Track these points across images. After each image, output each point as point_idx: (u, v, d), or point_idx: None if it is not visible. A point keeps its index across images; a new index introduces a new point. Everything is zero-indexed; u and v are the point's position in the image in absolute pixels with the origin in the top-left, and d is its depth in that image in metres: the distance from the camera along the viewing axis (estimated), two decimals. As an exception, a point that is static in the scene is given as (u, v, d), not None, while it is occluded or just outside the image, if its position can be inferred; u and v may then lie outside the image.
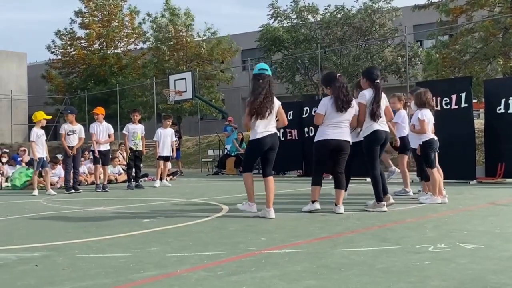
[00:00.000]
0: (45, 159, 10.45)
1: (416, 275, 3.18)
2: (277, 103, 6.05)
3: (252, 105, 5.86)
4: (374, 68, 7.44)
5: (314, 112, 14.02)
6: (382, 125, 6.42)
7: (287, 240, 4.45)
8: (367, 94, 6.35)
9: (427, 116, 7.11)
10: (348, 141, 6.26)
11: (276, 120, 6.12)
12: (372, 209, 6.30)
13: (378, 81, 6.44)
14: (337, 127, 6.16)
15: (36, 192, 10.29)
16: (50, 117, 11.12)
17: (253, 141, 6.03)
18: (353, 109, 6.27)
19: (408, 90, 17.82)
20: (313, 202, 6.32)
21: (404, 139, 8.13)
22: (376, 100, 6.30)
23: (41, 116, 10.51)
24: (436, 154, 7.27)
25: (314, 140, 6.31)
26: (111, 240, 4.63)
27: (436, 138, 7.20)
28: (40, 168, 10.48)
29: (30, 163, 13.13)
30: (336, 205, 6.26)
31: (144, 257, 3.85)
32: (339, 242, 4.28)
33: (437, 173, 7.16)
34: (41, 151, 10.33)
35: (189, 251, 4.02)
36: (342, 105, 6.09)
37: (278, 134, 6.46)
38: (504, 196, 8.04)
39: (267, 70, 6.06)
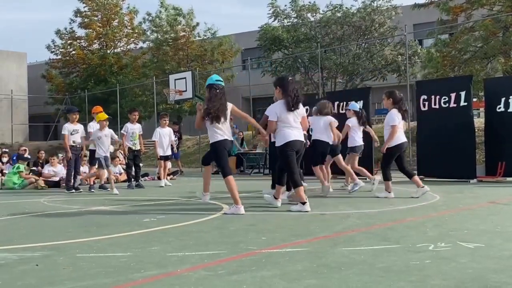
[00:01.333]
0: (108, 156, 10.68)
1: (416, 274, 3.18)
2: (229, 106, 6.61)
3: (210, 111, 6.37)
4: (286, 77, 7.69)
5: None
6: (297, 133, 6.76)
7: (288, 239, 4.45)
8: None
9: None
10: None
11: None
12: (298, 210, 6.42)
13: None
14: (295, 128, 6.69)
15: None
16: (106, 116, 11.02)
17: (217, 142, 6.47)
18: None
19: (408, 89, 17.85)
20: (303, 203, 6.44)
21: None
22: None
23: (103, 116, 10.60)
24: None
25: (278, 145, 6.65)
26: (111, 240, 4.63)
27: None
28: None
29: (20, 158, 13.13)
30: (275, 198, 7.00)
31: (145, 256, 3.85)
32: (339, 241, 4.28)
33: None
34: (105, 149, 10.48)
35: (189, 251, 4.02)
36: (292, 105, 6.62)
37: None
38: (504, 195, 8.04)
39: (222, 81, 6.66)
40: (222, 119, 6.40)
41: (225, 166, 6.52)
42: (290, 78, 6.94)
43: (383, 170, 7.90)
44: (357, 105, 9.74)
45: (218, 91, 6.45)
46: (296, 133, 6.65)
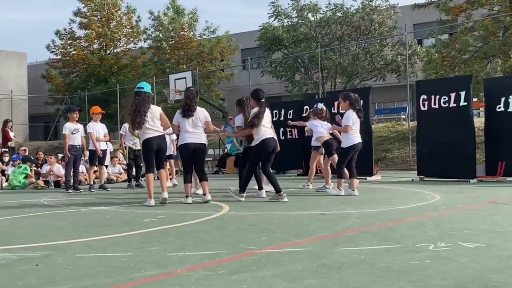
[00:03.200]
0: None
1: (416, 274, 3.18)
2: (156, 110, 7.56)
3: (130, 117, 7.48)
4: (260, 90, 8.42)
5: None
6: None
7: (288, 239, 4.45)
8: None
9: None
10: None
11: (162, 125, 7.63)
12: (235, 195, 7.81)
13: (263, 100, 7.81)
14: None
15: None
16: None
17: (142, 143, 7.70)
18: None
19: (408, 88, 17.84)
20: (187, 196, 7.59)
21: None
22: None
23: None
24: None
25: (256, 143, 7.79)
26: (111, 240, 4.64)
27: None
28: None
29: (27, 160, 13.13)
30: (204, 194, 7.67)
31: (145, 256, 3.85)
32: (339, 241, 4.28)
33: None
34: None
35: (189, 251, 4.02)
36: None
37: (167, 136, 8.23)
38: (504, 194, 8.04)
39: (143, 88, 7.55)
40: (138, 125, 7.32)
41: (146, 165, 7.69)
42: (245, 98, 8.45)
43: (337, 168, 8.50)
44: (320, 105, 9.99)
45: (137, 97, 7.45)
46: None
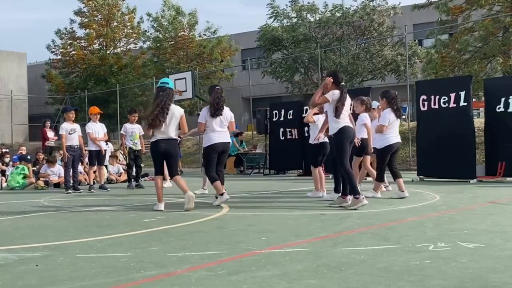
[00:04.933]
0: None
1: (416, 274, 3.18)
2: (177, 111, 6.88)
3: (148, 116, 6.78)
4: (339, 71, 7.83)
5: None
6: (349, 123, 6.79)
7: (288, 239, 4.45)
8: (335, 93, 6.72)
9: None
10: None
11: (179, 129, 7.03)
12: (353, 206, 6.38)
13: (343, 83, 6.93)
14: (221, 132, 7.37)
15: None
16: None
17: (150, 144, 6.91)
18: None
19: (408, 89, 17.85)
20: (221, 195, 7.05)
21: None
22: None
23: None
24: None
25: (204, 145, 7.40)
26: (111, 240, 4.64)
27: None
28: None
29: (23, 159, 13.11)
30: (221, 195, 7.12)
31: (145, 256, 3.85)
32: (339, 241, 4.28)
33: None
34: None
35: (189, 251, 4.02)
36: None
37: (178, 140, 7.32)
38: (504, 194, 8.04)
39: (167, 83, 6.96)
40: (159, 123, 6.66)
41: (155, 168, 6.99)
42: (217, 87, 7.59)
43: (378, 170, 7.94)
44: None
45: (161, 93, 6.81)
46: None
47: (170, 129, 6.79)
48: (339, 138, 6.55)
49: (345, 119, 6.61)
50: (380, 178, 7.91)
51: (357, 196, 6.36)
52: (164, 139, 6.76)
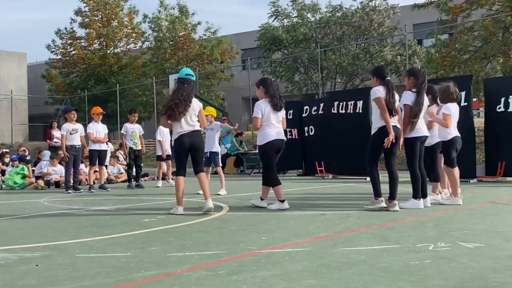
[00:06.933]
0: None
1: (416, 274, 3.18)
2: (198, 106, 6.46)
3: (171, 107, 6.28)
4: (383, 67, 7.31)
5: (314, 111, 14.06)
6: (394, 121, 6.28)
7: (288, 239, 4.45)
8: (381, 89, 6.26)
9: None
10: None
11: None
12: (372, 207, 6.21)
13: (388, 78, 6.41)
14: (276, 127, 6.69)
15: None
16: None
17: (173, 141, 6.48)
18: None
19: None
20: (282, 201, 6.55)
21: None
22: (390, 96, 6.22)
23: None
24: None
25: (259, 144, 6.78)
26: (111, 240, 4.64)
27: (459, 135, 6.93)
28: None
29: (22, 160, 13.12)
30: (262, 199, 6.77)
31: (145, 256, 3.85)
32: (339, 241, 4.28)
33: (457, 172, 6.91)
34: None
35: (189, 251, 4.02)
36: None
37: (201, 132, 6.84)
38: (504, 194, 8.04)
39: (192, 75, 6.53)
40: (179, 115, 6.25)
41: (177, 165, 6.48)
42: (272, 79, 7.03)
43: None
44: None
45: (185, 85, 6.37)
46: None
47: (192, 121, 6.37)
48: (374, 136, 6.25)
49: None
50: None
51: (377, 198, 6.17)
52: (187, 133, 6.31)
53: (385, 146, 6.11)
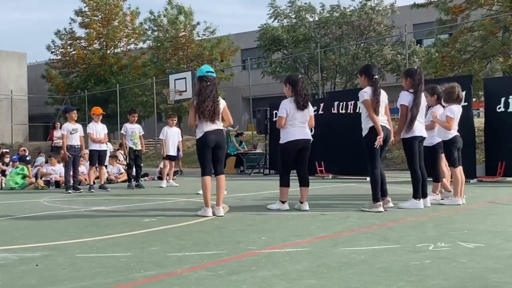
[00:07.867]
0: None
1: (416, 274, 3.18)
2: (222, 103, 6.29)
3: (197, 106, 6.11)
4: (371, 65, 7.28)
5: (314, 111, 14.08)
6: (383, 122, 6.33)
7: (288, 239, 4.45)
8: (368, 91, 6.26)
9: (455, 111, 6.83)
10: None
11: (223, 120, 6.34)
12: (368, 209, 6.20)
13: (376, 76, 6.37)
14: (301, 127, 6.52)
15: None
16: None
17: (197, 140, 6.22)
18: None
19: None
20: (283, 202, 6.57)
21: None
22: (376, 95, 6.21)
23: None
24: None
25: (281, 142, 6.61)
26: (111, 240, 4.63)
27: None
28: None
29: (22, 160, 13.11)
30: (301, 202, 6.63)
31: (145, 256, 3.85)
32: (339, 241, 4.28)
33: (461, 172, 6.92)
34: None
35: (189, 251, 4.02)
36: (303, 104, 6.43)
37: (224, 131, 6.58)
38: (504, 194, 8.04)
39: (213, 72, 6.39)
40: (210, 114, 6.08)
41: (202, 166, 6.20)
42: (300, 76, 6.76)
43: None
44: None
45: (208, 83, 6.21)
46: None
47: (217, 120, 6.19)
48: (365, 138, 6.25)
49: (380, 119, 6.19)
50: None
51: (375, 202, 6.16)
52: (211, 131, 6.12)
53: (376, 146, 6.11)
